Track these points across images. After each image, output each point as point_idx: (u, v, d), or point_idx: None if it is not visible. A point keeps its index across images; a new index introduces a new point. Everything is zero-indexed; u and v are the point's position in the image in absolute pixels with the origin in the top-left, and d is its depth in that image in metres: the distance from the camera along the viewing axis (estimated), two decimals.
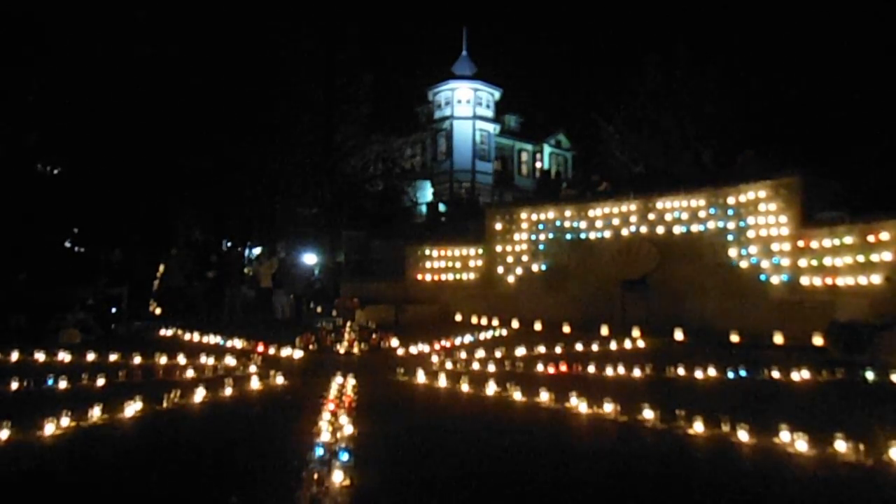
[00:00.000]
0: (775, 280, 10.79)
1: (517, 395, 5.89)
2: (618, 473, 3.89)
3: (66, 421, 4.79)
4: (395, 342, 9.84)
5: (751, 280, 11.12)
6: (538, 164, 44.58)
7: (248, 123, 23.02)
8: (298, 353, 9.05)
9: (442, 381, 6.64)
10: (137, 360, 7.91)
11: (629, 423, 4.97)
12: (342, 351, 9.44)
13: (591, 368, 7.47)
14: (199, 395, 5.81)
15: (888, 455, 3.98)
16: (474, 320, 13.76)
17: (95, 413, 5.01)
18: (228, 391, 6.12)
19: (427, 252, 15.21)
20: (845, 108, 21.08)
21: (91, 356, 8.19)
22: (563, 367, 7.49)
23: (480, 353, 8.63)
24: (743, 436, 4.45)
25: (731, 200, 11.60)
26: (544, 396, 5.71)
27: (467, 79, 41.50)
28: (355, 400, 5.60)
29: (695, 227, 12.03)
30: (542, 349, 9.01)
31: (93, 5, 19.63)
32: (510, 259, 14.14)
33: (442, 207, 30.02)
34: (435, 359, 8.42)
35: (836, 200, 10.93)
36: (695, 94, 21.89)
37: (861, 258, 9.57)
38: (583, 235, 13.38)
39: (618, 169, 23.37)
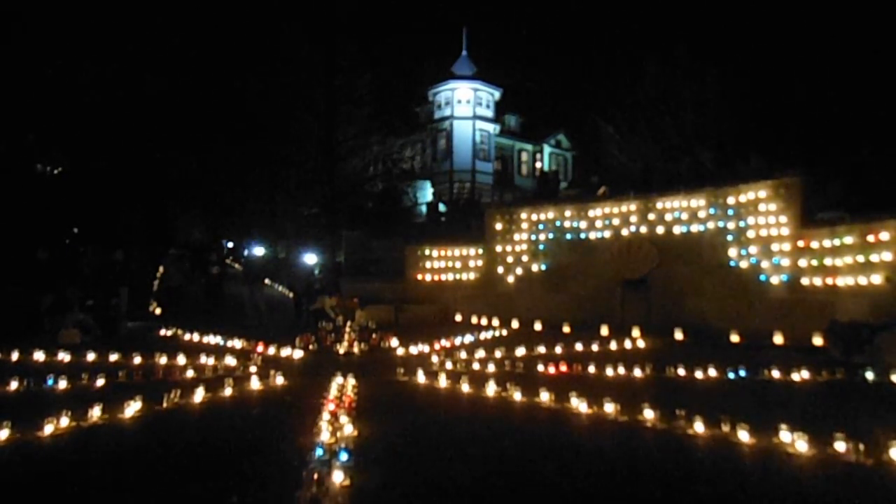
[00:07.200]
0: (775, 280, 10.78)
1: (517, 396, 5.89)
2: (618, 474, 3.89)
3: (66, 421, 4.79)
4: (395, 342, 9.84)
5: (751, 280, 11.10)
6: (538, 164, 44.61)
7: (248, 123, 23.04)
8: (298, 353, 9.05)
9: (442, 382, 6.64)
10: (137, 360, 7.92)
11: (629, 423, 4.97)
12: (342, 351, 9.44)
13: (592, 368, 7.46)
14: (199, 395, 5.81)
15: (888, 455, 3.98)
16: (474, 320, 13.75)
17: (95, 413, 5.01)
18: (228, 391, 6.13)
19: (427, 252, 15.19)
20: (846, 109, 21.09)
21: (91, 356, 8.19)
22: (564, 368, 7.48)
23: (480, 353, 8.63)
24: (743, 436, 4.45)
25: (730, 200, 11.58)
26: (544, 396, 5.71)
27: (467, 79, 41.50)
28: (355, 400, 5.59)
29: (695, 228, 12.02)
30: (542, 349, 9.00)
31: (93, 6, 19.65)
32: (510, 259, 14.13)
33: (442, 207, 30.04)
34: (435, 359, 8.42)
35: (836, 200, 10.92)
36: (695, 94, 21.89)
37: (861, 258, 9.56)
38: (583, 235, 13.36)
39: (617, 169, 23.38)
